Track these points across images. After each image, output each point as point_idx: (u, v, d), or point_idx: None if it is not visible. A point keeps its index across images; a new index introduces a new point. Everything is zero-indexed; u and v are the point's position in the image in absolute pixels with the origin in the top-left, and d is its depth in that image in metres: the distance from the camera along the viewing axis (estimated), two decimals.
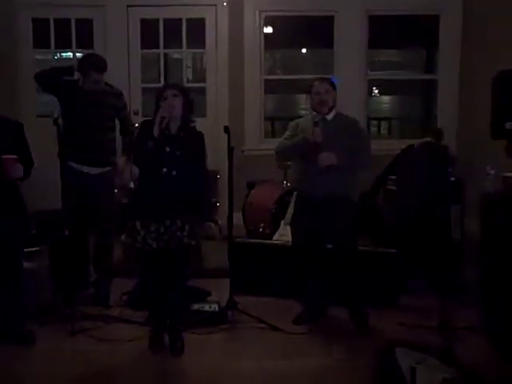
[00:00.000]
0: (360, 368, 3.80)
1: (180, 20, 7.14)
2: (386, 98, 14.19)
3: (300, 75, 9.39)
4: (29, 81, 7.14)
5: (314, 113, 4.45)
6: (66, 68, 4.82)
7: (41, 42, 7.24)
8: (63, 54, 7.83)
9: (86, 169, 4.76)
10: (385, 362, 3.54)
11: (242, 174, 6.19)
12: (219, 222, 6.49)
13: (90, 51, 6.14)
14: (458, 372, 3.33)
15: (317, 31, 7.82)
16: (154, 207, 3.92)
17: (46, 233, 5.34)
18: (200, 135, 4.04)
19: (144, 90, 7.15)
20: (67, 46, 7.27)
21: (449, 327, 4.11)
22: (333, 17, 7.13)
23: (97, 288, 4.93)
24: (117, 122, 4.93)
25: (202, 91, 7.41)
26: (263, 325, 4.42)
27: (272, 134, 9.63)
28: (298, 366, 3.89)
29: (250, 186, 6.48)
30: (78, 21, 7.15)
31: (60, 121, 4.42)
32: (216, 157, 6.36)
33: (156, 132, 3.84)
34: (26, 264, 4.52)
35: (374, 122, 11.36)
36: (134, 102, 6.95)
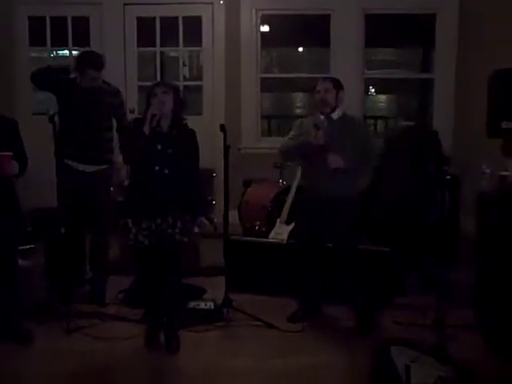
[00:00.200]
0: (355, 366, 3.81)
1: (176, 18, 7.14)
2: (382, 97, 14.21)
3: (296, 74, 9.40)
4: (25, 79, 7.10)
5: (321, 113, 4.44)
6: (63, 68, 4.81)
7: (37, 39, 7.24)
8: (59, 52, 7.84)
9: (81, 167, 4.76)
10: (380, 360, 3.55)
11: (238, 173, 6.19)
12: (215, 220, 6.50)
13: (86, 49, 6.12)
14: (453, 370, 3.34)
15: (313, 30, 7.82)
16: (145, 205, 3.93)
17: (41, 230, 5.34)
18: (192, 132, 4.04)
19: (140, 88, 7.15)
20: (63, 44, 7.27)
21: (443, 325, 4.12)
22: (329, 15, 7.12)
23: (92, 286, 4.93)
24: (114, 120, 4.93)
25: (199, 89, 7.41)
26: (259, 322, 4.43)
27: (268, 132, 9.65)
28: (294, 364, 3.89)
29: (247, 184, 6.48)
30: (74, 19, 7.15)
31: (56, 118, 4.41)
32: (212, 155, 6.36)
33: (147, 130, 3.84)
34: (21, 262, 4.53)
35: (371, 121, 11.37)
36: (131, 100, 6.93)
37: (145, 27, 7.24)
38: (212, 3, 7.08)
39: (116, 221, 4.67)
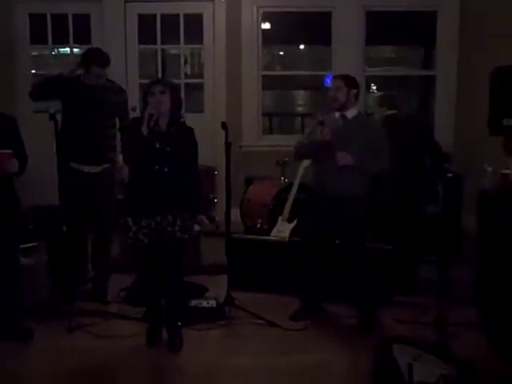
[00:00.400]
0: (357, 364, 3.81)
1: (178, 15, 7.13)
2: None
3: (298, 71, 9.38)
4: (26, 76, 7.16)
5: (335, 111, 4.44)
6: (55, 77, 4.76)
7: (38, 37, 7.22)
8: (61, 50, 7.82)
9: (86, 168, 4.74)
10: (382, 359, 3.55)
11: (240, 170, 6.19)
12: (217, 219, 6.49)
13: (87, 47, 6.12)
14: (455, 368, 3.34)
15: (314, 27, 7.81)
16: (145, 203, 3.93)
17: (43, 228, 5.34)
18: (190, 130, 4.04)
19: (141, 85, 7.13)
20: (64, 42, 7.26)
21: (445, 323, 4.11)
22: (330, 13, 7.12)
23: (95, 284, 4.93)
24: (116, 119, 4.92)
25: (200, 87, 7.41)
26: (261, 321, 4.43)
27: (270, 130, 9.62)
28: (296, 362, 3.90)
29: (248, 182, 6.48)
30: (75, 16, 7.14)
31: (58, 116, 4.41)
32: (213, 153, 6.37)
33: (145, 130, 3.84)
34: (23, 260, 4.53)
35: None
36: (132, 97, 6.86)
37: (146, 25, 7.23)
38: (213, 0, 7.07)
39: (117, 219, 4.69)
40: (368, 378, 3.56)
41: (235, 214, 5.77)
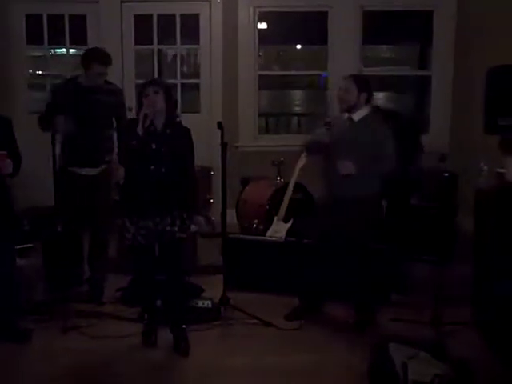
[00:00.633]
0: (353, 363, 3.81)
1: (174, 16, 7.12)
2: (380, 94, 14.18)
3: (294, 71, 9.38)
4: (22, 77, 7.15)
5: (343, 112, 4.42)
6: (47, 108, 4.70)
7: (34, 38, 7.21)
8: (57, 51, 7.81)
9: (84, 170, 4.74)
10: (378, 358, 3.56)
11: (236, 171, 6.18)
12: (213, 219, 6.49)
13: (83, 47, 6.11)
14: (450, 367, 3.34)
15: (311, 27, 7.81)
16: (143, 205, 3.93)
17: (39, 229, 5.33)
18: (186, 130, 4.03)
19: (138, 86, 7.11)
20: (61, 42, 7.24)
21: (441, 323, 4.12)
22: (327, 12, 7.11)
23: (91, 285, 4.92)
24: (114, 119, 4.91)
25: (196, 87, 7.40)
26: (256, 321, 4.43)
27: (266, 130, 9.63)
28: (292, 362, 3.90)
29: (244, 182, 6.48)
30: (71, 16, 7.12)
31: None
32: (210, 153, 6.36)
33: (140, 130, 3.83)
34: (19, 261, 4.52)
35: None
36: (128, 98, 6.90)
37: (142, 25, 7.22)
38: (209, 1, 7.07)
39: (114, 220, 4.69)
40: (363, 377, 3.56)
41: (231, 214, 5.76)
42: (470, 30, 6.72)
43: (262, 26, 7.48)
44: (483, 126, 4.27)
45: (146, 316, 4.20)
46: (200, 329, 4.30)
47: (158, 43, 7.29)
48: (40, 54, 7.49)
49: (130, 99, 7.00)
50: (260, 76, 7.33)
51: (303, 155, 5.35)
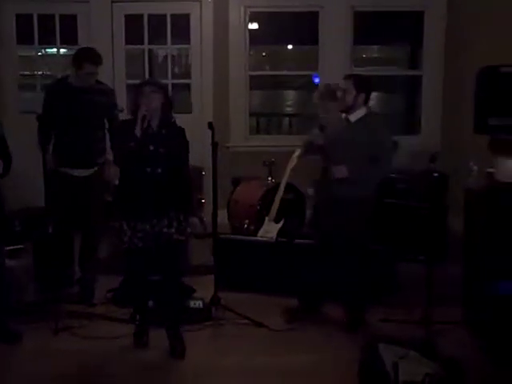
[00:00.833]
0: (344, 363, 3.81)
1: (165, 16, 7.11)
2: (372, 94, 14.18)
3: (285, 71, 9.38)
4: (12, 77, 7.12)
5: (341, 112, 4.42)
6: (39, 120, 4.54)
7: (24, 37, 7.19)
8: (47, 50, 7.79)
9: (76, 172, 4.73)
10: (368, 357, 3.56)
11: (227, 171, 6.19)
12: (205, 219, 6.48)
13: (74, 47, 6.10)
14: (441, 366, 3.35)
15: (302, 27, 7.82)
16: (140, 206, 3.90)
17: (29, 230, 5.32)
18: (181, 130, 4.02)
19: (129, 86, 7.11)
20: (51, 42, 7.22)
21: (431, 322, 4.13)
22: (318, 13, 7.12)
23: (81, 286, 4.91)
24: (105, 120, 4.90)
25: (187, 87, 7.39)
26: (247, 321, 4.43)
27: (257, 130, 9.62)
28: (283, 362, 3.90)
29: (235, 182, 6.48)
30: (62, 16, 7.10)
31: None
32: (201, 153, 6.35)
33: (138, 132, 3.82)
34: (9, 262, 4.50)
35: None
36: (119, 98, 6.87)
37: (133, 25, 7.21)
38: (200, 1, 7.06)
39: (106, 221, 4.67)
40: (354, 377, 3.57)
41: (222, 214, 5.77)
42: (461, 31, 6.75)
43: (253, 26, 7.48)
44: (473, 126, 4.30)
45: (137, 317, 4.19)
46: (191, 329, 4.29)
47: (149, 43, 7.29)
48: (30, 53, 7.46)
49: (122, 99, 7.02)
50: (251, 76, 7.34)
51: (294, 156, 5.36)
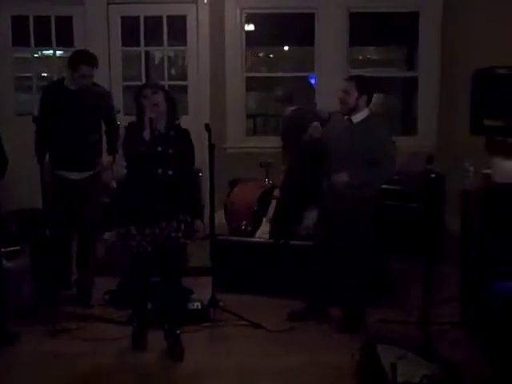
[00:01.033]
0: (342, 365, 3.81)
1: (161, 17, 7.10)
2: None
3: (281, 73, 9.38)
4: (8, 79, 7.11)
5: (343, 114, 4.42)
6: (35, 121, 4.52)
7: (20, 39, 7.17)
8: (44, 52, 7.77)
9: (73, 175, 4.72)
10: (367, 359, 3.56)
11: (224, 172, 6.18)
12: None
13: (70, 49, 6.09)
14: (439, 367, 3.36)
15: (298, 29, 7.82)
16: (149, 210, 3.87)
17: (27, 232, 5.30)
18: (187, 132, 4.04)
19: (125, 88, 7.11)
20: (47, 44, 7.20)
21: (429, 323, 4.13)
22: (314, 14, 7.13)
23: (79, 287, 4.90)
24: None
25: (184, 89, 7.39)
26: (246, 322, 4.43)
27: (254, 131, 9.61)
28: (281, 364, 3.91)
29: (232, 184, 6.47)
30: (57, 18, 7.08)
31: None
32: (198, 155, 6.32)
33: (147, 135, 3.81)
34: (6, 263, 4.49)
35: None
36: (116, 100, 6.87)
37: (129, 27, 7.20)
38: (196, 2, 7.06)
39: (104, 224, 4.65)
40: (352, 378, 3.57)
41: (219, 216, 5.76)
42: (456, 32, 6.76)
43: (249, 27, 7.48)
44: (470, 127, 4.31)
45: (135, 318, 4.18)
46: (189, 331, 4.30)
47: (145, 45, 7.27)
48: (26, 55, 7.45)
49: (118, 101, 7.01)
50: (247, 77, 7.33)
51: None
